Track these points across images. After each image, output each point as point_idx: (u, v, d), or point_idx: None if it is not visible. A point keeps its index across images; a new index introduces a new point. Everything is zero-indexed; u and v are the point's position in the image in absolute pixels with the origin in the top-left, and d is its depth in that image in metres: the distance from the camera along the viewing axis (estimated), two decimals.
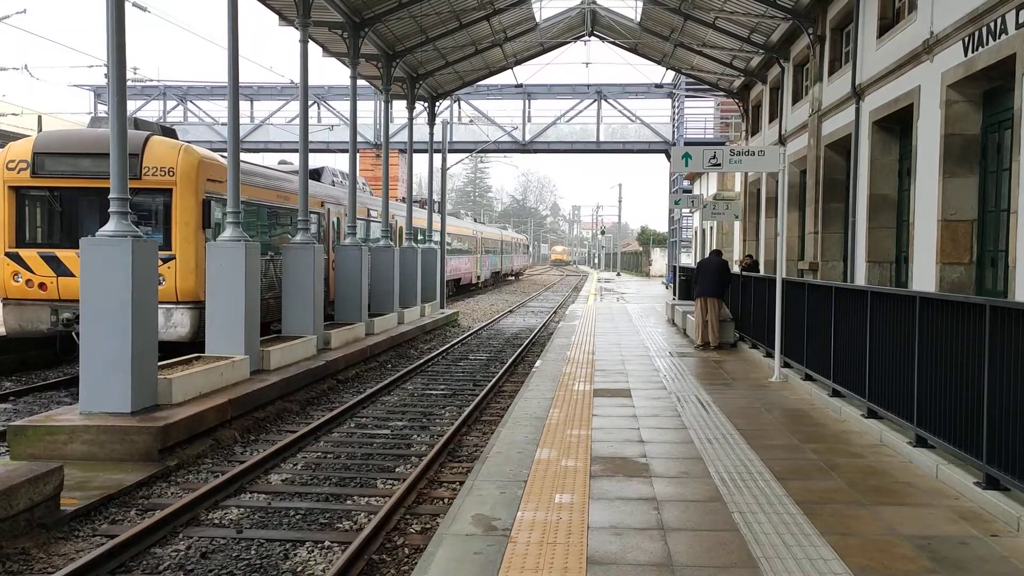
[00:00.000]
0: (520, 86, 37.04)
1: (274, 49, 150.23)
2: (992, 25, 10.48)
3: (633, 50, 27.38)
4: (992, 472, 5.49)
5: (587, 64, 43.53)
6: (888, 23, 14.45)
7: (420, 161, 29.89)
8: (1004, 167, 11.17)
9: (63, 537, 6.40)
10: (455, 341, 19.77)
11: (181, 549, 6.21)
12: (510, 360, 16.08)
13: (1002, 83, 11.07)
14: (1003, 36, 10.23)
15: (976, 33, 10.89)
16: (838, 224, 17.53)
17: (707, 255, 15.91)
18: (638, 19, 24.24)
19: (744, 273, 17.05)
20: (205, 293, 11.97)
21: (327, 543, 6.37)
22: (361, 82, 20.31)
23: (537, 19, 24.10)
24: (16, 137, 21.16)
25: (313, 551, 6.22)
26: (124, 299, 8.80)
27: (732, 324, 15.43)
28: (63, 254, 12.88)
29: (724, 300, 15.21)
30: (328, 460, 8.93)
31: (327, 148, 41.33)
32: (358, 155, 19.49)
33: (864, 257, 15.42)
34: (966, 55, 11.21)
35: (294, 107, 40.44)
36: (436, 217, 28.28)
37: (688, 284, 22.08)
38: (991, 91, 11.44)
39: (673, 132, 39.61)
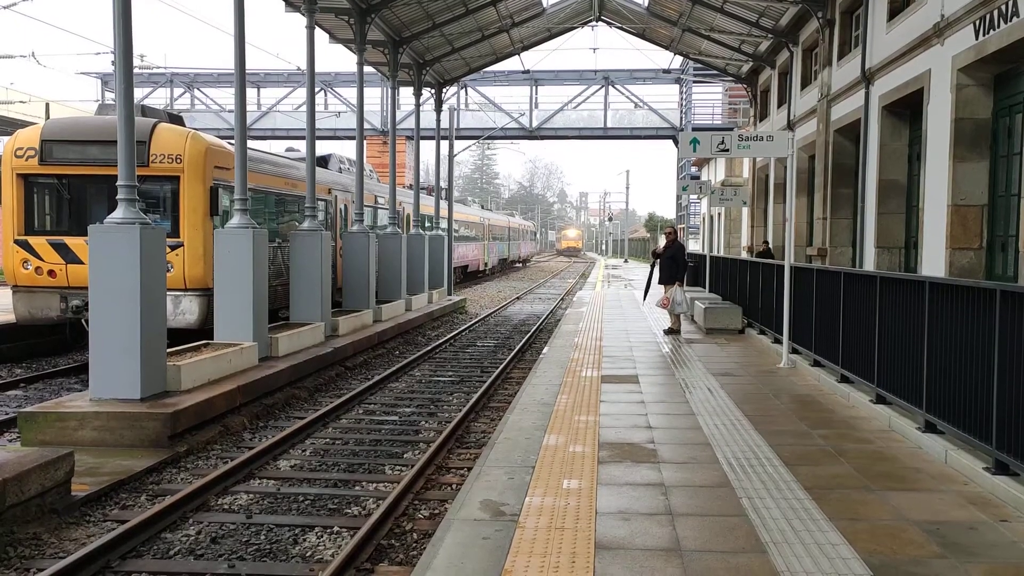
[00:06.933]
0: (527, 72, 36.90)
1: (281, 35, 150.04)
2: (1003, 8, 10.38)
3: (641, 35, 27.23)
4: (1001, 457, 5.47)
5: (594, 50, 43.48)
6: (898, 6, 14.33)
7: (427, 148, 29.91)
8: (1015, 151, 11.09)
9: (74, 522, 6.44)
10: (463, 328, 19.79)
11: (191, 534, 6.25)
12: (518, 347, 16.09)
13: (1013, 67, 10.98)
14: (1014, 19, 10.13)
15: (987, 16, 10.79)
16: (847, 210, 17.46)
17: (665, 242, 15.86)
18: (646, 4, 24.09)
19: (754, 259, 17.00)
20: (213, 280, 11.99)
21: (336, 528, 6.40)
22: (368, 69, 20.26)
23: (544, 4, 23.97)
24: (24, 125, 21.22)
25: (322, 536, 6.25)
26: (133, 286, 8.83)
27: (740, 310, 15.41)
28: (72, 241, 12.91)
29: (681, 284, 14.84)
30: (337, 446, 8.96)
31: (334, 135, 41.31)
32: (365, 142, 19.47)
33: (873, 243, 15.36)
34: (977, 38, 11.12)
35: (301, 94, 40.43)
36: (443, 204, 28.26)
37: (696, 270, 22.07)
38: (1002, 75, 11.34)
39: (681, 118, 39.43)
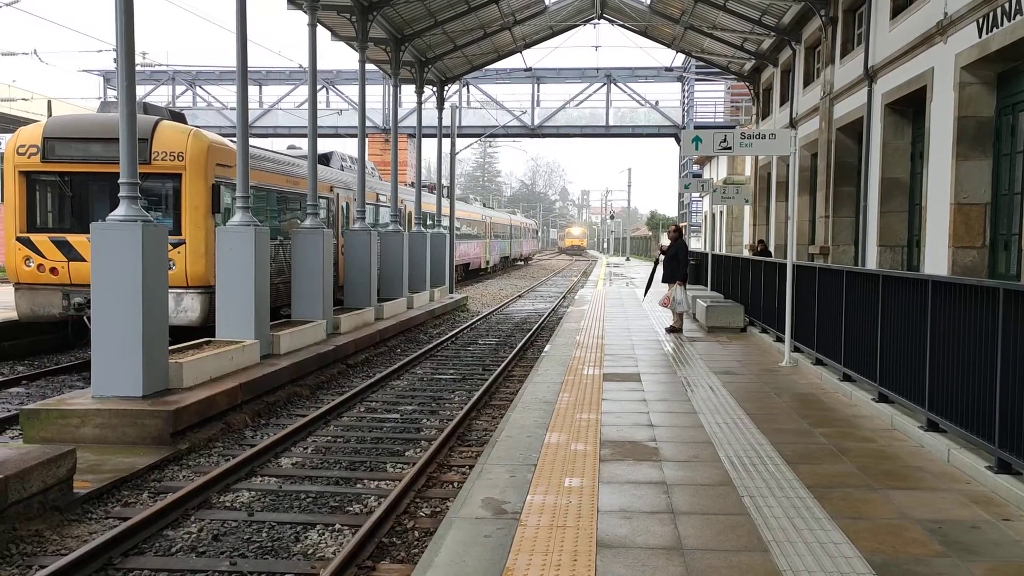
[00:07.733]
0: (529, 70, 36.88)
1: (282, 33, 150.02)
2: (1007, 6, 10.35)
3: (643, 33, 27.21)
4: (1004, 456, 5.46)
5: (596, 48, 43.95)
6: (901, 4, 14.30)
7: (429, 146, 29.87)
8: (1018, 150, 11.07)
9: (76, 519, 6.45)
10: (464, 326, 19.78)
11: (193, 531, 6.25)
12: (519, 345, 16.08)
13: (1016, 65, 10.96)
14: (1018, 17, 10.11)
15: (990, 14, 10.77)
16: (849, 208, 17.43)
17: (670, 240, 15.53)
18: (648, 1, 24.06)
19: (754, 257, 17.00)
20: (215, 278, 11.99)
21: (338, 526, 6.40)
22: (370, 66, 20.25)
23: (546, 2, 23.96)
24: (26, 122, 21.22)
25: (324, 534, 6.25)
26: (135, 284, 8.82)
27: (741, 308, 15.39)
28: (74, 239, 12.92)
29: (682, 283, 14.69)
30: (338, 444, 8.96)
31: (336, 133, 41.34)
32: (367, 140, 19.44)
33: (876, 241, 15.34)
34: (980, 36, 11.09)
35: (303, 92, 40.41)
36: (445, 202, 28.24)
37: (698, 268, 22.05)
38: (1005, 73, 11.31)
39: (683, 116, 39.42)
